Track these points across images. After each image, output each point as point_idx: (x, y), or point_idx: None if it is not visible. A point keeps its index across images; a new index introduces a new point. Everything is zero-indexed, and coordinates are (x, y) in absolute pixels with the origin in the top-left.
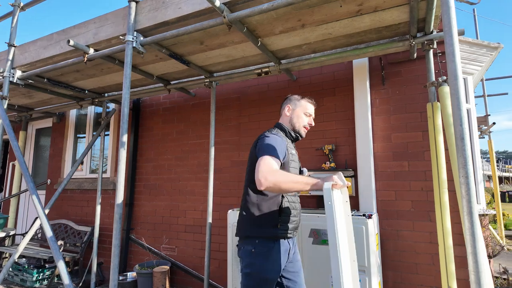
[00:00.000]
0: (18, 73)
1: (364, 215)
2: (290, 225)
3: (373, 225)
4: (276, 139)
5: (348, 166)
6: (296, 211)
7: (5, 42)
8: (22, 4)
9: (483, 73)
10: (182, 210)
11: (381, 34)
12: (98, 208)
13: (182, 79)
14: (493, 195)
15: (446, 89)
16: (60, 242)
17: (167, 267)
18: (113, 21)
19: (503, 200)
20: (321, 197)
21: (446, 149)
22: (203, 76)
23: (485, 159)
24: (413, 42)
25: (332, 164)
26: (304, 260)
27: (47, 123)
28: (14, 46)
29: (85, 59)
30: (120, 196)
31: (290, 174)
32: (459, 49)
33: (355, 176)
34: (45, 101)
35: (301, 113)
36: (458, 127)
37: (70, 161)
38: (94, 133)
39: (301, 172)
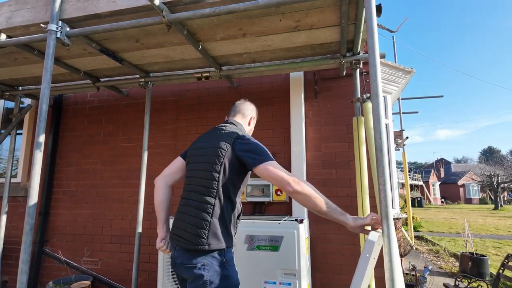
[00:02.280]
0: None
1: (296, 220)
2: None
3: (304, 230)
4: (259, 143)
5: None
6: None
7: None
8: None
9: (400, 93)
10: (108, 219)
11: (315, 50)
12: (4, 218)
13: (113, 76)
14: (405, 201)
15: (369, 105)
16: None
17: (88, 282)
18: (33, 6)
19: (412, 205)
20: (258, 203)
21: (368, 159)
22: (137, 76)
23: (399, 169)
24: (343, 61)
25: None
26: (239, 265)
27: None
28: None
29: None
30: (32, 204)
31: (318, 191)
32: (380, 70)
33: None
34: None
35: (254, 123)
36: (378, 140)
37: None
38: (3, 131)
39: None
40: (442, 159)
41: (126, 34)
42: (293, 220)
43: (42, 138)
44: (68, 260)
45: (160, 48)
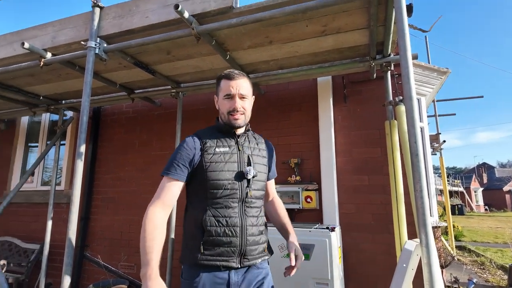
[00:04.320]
0: None
1: (327, 228)
2: (222, 249)
3: (336, 238)
4: (180, 146)
5: (313, 179)
6: (233, 229)
7: None
8: None
9: (434, 95)
10: None
11: (343, 54)
12: (49, 224)
13: (147, 88)
14: (444, 208)
15: (402, 108)
16: (2, 262)
17: (125, 286)
18: (75, 25)
19: (453, 213)
20: (287, 210)
21: (403, 165)
22: (169, 86)
23: (437, 175)
24: (373, 64)
25: (298, 178)
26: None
27: None
28: None
29: (42, 63)
30: (74, 210)
31: (156, 234)
32: (413, 72)
33: (319, 190)
34: None
35: (222, 98)
36: (413, 144)
37: (19, 172)
38: (48, 142)
39: (242, 174)
40: (484, 164)
41: (158, 47)
42: (324, 228)
43: (83, 148)
44: (106, 264)
45: (190, 59)
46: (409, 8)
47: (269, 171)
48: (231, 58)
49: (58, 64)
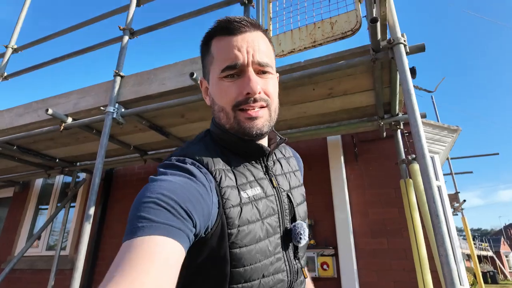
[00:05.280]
0: None
1: None
2: None
3: None
4: (167, 178)
5: (328, 243)
6: None
7: None
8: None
9: (448, 152)
10: None
11: (351, 114)
12: None
13: (159, 149)
14: (475, 276)
15: (416, 166)
16: None
17: None
18: (96, 93)
19: (485, 281)
20: None
21: (424, 226)
22: None
23: (462, 237)
24: (381, 123)
25: (312, 241)
26: None
27: (7, 192)
28: None
29: (62, 127)
30: (77, 277)
31: None
32: (423, 131)
33: (336, 255)
34: (8, 169)
35: (217, 78)
36: (431, 204)
37: (25, 236)
38: (59, 204)
39: (287, 237)
40: None
41: (173, 111)
42: None
43: (92, 210)
44: None
45: (202, 121)
46: (413, 71)
47: None
48: None
49: (77, 128)
